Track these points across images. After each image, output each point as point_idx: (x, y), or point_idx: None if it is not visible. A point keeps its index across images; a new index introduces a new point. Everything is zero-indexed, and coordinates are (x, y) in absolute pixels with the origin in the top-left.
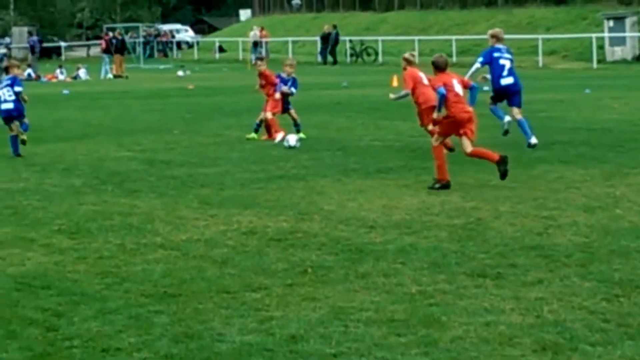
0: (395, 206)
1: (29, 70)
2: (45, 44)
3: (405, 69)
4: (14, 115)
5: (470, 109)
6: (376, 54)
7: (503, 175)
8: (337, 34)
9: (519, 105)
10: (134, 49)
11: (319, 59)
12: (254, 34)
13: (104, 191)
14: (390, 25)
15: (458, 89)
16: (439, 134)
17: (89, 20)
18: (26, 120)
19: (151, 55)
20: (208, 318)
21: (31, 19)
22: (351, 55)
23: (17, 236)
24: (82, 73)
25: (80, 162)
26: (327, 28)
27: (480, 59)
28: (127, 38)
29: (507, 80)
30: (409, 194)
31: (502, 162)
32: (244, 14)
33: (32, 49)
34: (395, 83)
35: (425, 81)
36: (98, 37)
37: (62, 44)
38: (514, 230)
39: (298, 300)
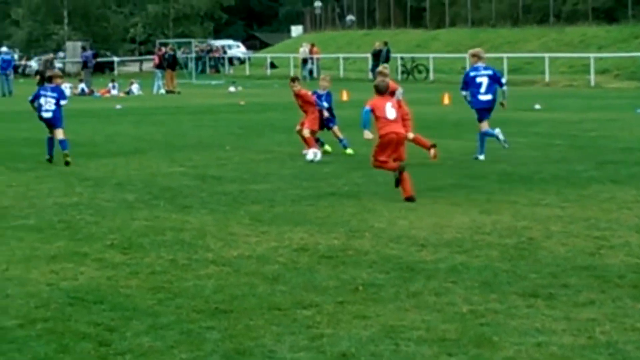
0: (446, 225)
1: (82, 85)
2: (98, 59)
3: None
4: (52, 123)
5: (400, 131)
6: (427, 71)
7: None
8: (388, 51)
9: (488, 119)
10: (186, 65)
11: (370, 75)
12: (304, 50)
13: (156, 206)
14: (441, 43)
15: (390, 113)
16: (377, 156)
17: (141, 36)
18: (65, 137)
19: (203, 71)
20: (259, 335)
21: (85, 33)
22: (402, 72)
23: (70, 250)
24: (135, 88)
25: (132, 177)
26: (378, 45)
27: (461, 86)
28: (179, 53)
29: (485, 97)
30: (459, 213)
31: (399, 170)
32: (296, 30)
33: (85, 63)
34: (446, 101)
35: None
36: (151, 52)
37: (115, 58)
38: (565, 250)
39: (349, 318)
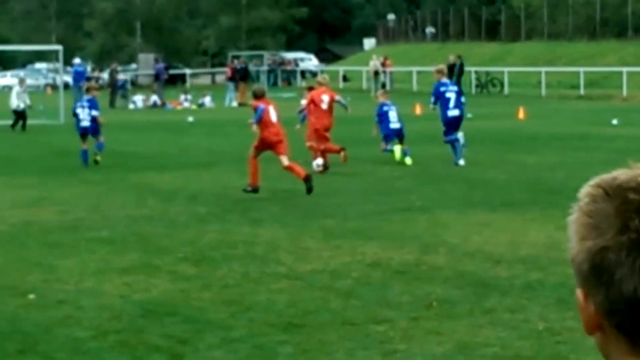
0: (522, 241)
1: (154, 97)
2: (170, 71)
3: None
4: (89, 132)
5: (280, 132)
6: (502, 85)
7: (308, 190)
8: (462, 65)
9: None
10: (258, 77)
11: None
12: (374, 63)
13: (228, 220)
14: (516, 56)
15: (272, 116)
16: (255, 148)
17: (214, 48)
18: (102, 139)
19: (275, 84)
20: (332, 350)
21: (157, 46)
22: (476, 86)
23: (142, 263)
24: (207, 100)
25: (204, 190)
26: (452, 58)
27: (432, 99)
28: (251, 66)
29: (453, 112)
30: (535, 229)
31: (308, 180)
32: (368, 42)
33: (157, 75)
34: (521, 115)
35: (324, 105)
36: (223, 65)
37: (187, 71)
38: None
39: (422, 334)
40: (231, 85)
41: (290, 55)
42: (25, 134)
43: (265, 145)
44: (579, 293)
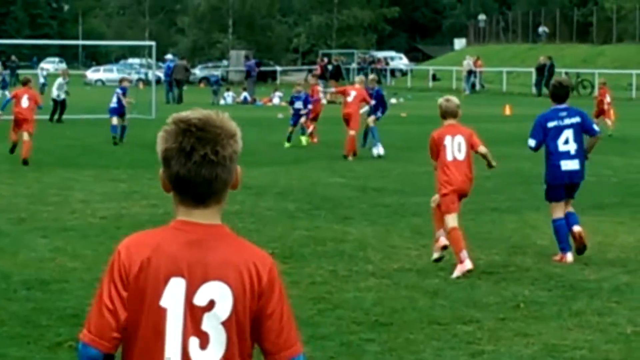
0: (611, 243)
1: (245, 94)
2: (261, 68)
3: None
4: (116, 113)
5: None
6: (592, 87)
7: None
8: (552, 66)
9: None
10: (348, 75)
11: (534, 90)
12: (468, 63)
13: (317, 217)
14: (607, 58)
15: None
16: None
17: (304, 46)
18: (126, 123)
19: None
20: (419, 349)
21: (249, 42)
22: None
23: None
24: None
25: (294, 186)
26: (542, 59)
27: (373, 101)
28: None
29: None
30: (624, 232)
31: None
32: (459, 42)
33: (248, 72)
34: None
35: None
36: (313, 63)
37: (278, 68)
38: None
39: (510, 335)
40: (321, 83)
41: (380, 54)
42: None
43: None
44: (161, 170)
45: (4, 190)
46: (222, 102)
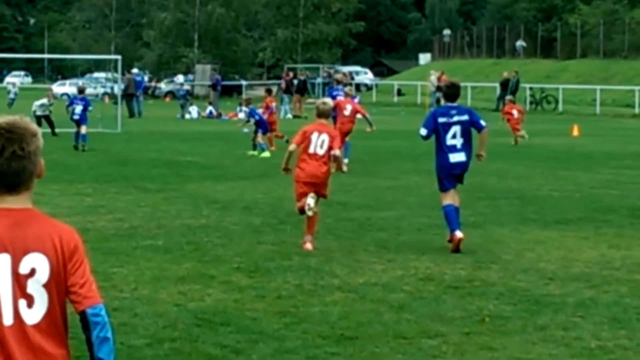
0: (575, 258)
1: (210, 108)
2: (226, 82)
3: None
4: (80, 122)
5: None
6: (556, 102)
7: None
8: (517, 81)
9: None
10: (314, 90)
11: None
12: (433, 78)
13: (283, 231)
14: (571, 74)
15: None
16: None
17: (270, 60)
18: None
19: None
20: None
21: (214, 57)
22: (531, 102)
23: (198, 272)
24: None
25: (259, 201)
26: (506, 74)
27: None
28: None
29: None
30: (588, 247)
31: None
32: (424, 57)
33: (214, 86)
34: (575, 132)
35: (346, 112)
36: (278, 77)
37: (243, 82)
38: None
39: (475, 349)
40: (286, 97)
41: (345, 69)
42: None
43: None
44: None
45: None
46: (187, 116)
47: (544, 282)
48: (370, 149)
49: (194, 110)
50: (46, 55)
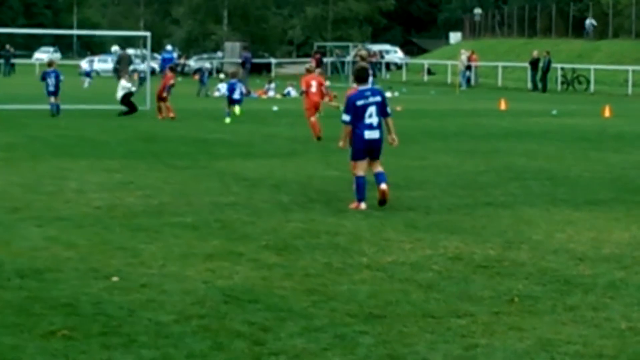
0: (605, 239)
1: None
2: (255, 60)
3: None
4: (54, 92)
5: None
6: (588, 82)
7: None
8: (549, 61)
9: None
10: (343, 68)
11: (530, 85)
12: (464, 57)
13: (312, 209)
14: (603, 54)
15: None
16: None
17: (299, 38)
18: (58, 101)
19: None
20: (413, 342)
21: (243, 34)
22: (562, 82)
23: (226, 249)
24: (292, 90)
25: (288, 179)
26: (536, 53)
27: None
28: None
29: None
30: (619, 228)
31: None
32: (454, 36)
33: (243, 64)
34: (607, 113)
35: (313, 88)
36: (307, 55)
37: (273, 60)
38: None
39: (504, 329)
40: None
41: (375, 47)
42: (112, 119)
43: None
44: None
45: None
46: (216, 93)
47: (574, 263)
48: (399, 129)
49: (223, 87)
50: (75, 32)
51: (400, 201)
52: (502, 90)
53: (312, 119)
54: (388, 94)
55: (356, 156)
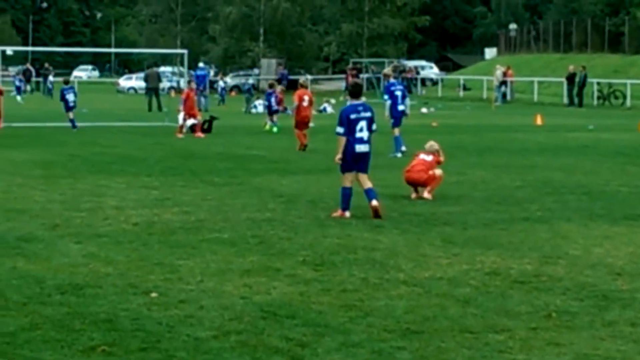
0: None
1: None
2: (291, 77)
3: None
4: (73, 107)
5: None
6: (624, 97)
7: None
8: (585, 76)
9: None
10: (378, 84)
11: (566, 100)
12: (499, 73)
13: (348, 225)
14: (639, 69)
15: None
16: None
17: (335, 54)
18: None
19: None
20: (450, 357)
21: (279, 51)
22: (598, 97)
23: (263, 265)
24: (328, 107)
25: (324, 194)
26: (572, 68)
27: (386, 96)
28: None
29: (401, 107)
30: None
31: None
32: (490, 52)
33: (279, 80)
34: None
35: (305, 103)
36: (343, 72)
37: (309, 76)
38: None
39: (542, 344)
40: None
41: (411, 63)
42: (149, 136)
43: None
44: None
45: (38, 196)
46: (253, 110)
47: (612, 278)
48: None
49: (260, 105)
50: (113, 50)
51: (436, 216)
52: (538, 106)
53: (298, 131)
54: (424, 110)
55: (345, 168)
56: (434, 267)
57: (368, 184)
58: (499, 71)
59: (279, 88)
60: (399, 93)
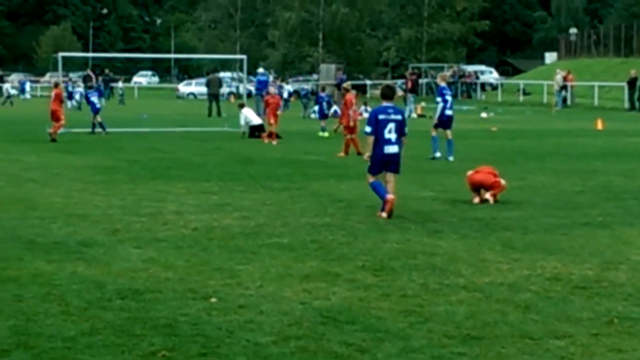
0: None
1: (335, 107)
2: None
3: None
4: (99, 109)
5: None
6: None
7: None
8: None
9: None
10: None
11: (627, 105)
12: (560, 77)
13: (408, 230)
14: None
15: None
16: None
17: (394, 59)
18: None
19: (455, 96)
20: None
21: (338, 56)
22: None
23: (322, 270)
24: (365, 111)
25: None
26: (633, 73)
27: (438, 98)
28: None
29: (449, 112)
30: None
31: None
32: (550, 56)
33: (338, 86)
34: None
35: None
36: (402, 77)
37: (368, 81)
38: None
39: (603, 351)
40: (411, 97)
41: (470, 68)
42: (208, 142)
43: None
44: None
45: (98, 201)
46: (312, 115)
47: None
48: (495, 149)
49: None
50: (172, 55)
51: (497, 221)
52: (599, 110)
53: (350, 136)
54: (483, 115)
55: (373, 170)
56: (494, 273)
57: (391, 185)
58: (559, 75)
59: (353, 92)
60: (449, 98)
